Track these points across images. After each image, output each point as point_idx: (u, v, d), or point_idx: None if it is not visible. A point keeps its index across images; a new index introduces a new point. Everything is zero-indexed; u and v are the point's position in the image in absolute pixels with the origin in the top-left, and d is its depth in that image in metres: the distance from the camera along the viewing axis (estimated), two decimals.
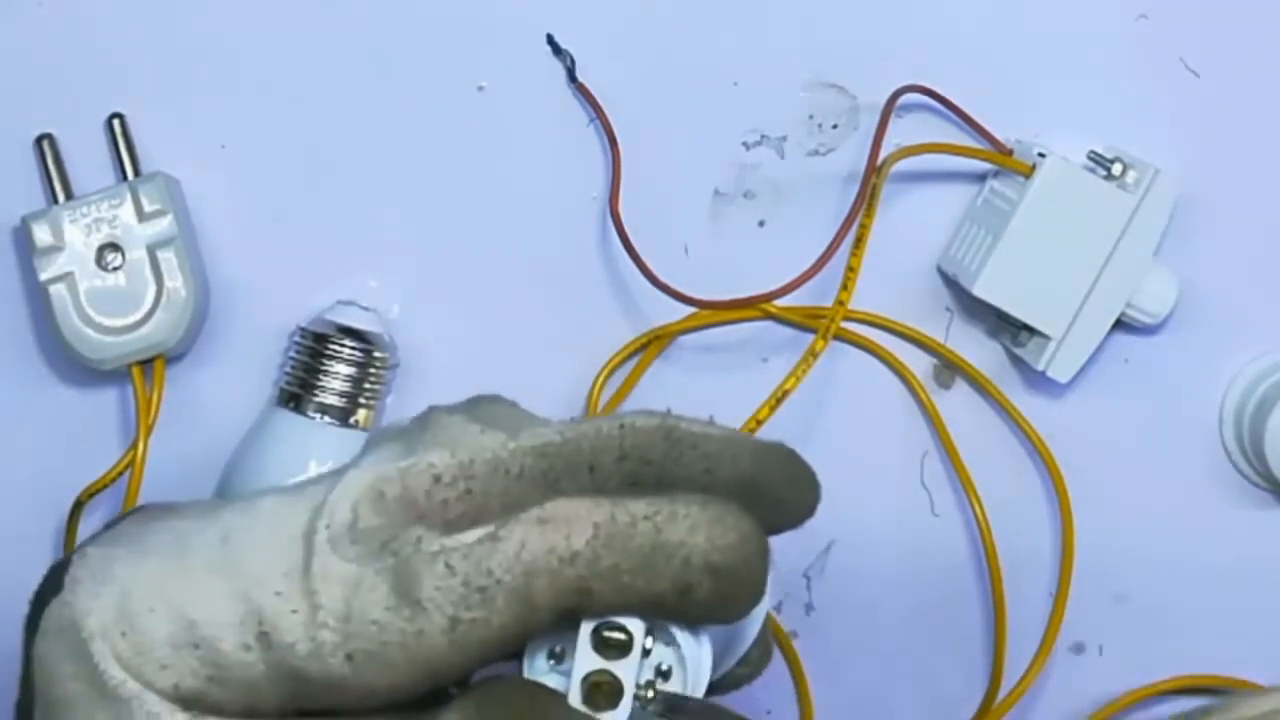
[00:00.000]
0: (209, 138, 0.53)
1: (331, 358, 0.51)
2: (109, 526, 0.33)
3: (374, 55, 0.53)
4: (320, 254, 0.54)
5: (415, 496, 0.31)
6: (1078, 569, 0.55)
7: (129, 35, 0.53)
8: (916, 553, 0.56)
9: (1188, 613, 0.56)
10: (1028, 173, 0.52)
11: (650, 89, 0.54)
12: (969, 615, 0.56)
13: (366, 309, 0.53)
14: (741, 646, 0.36)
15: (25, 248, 0.51)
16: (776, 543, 0.33)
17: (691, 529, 0.30)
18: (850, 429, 0.55)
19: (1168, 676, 0.56)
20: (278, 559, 0.31)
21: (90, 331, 0.50)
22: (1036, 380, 0.55)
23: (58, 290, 0.50)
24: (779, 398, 0.48)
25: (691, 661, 0.32)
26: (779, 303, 0.52)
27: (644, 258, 0.51)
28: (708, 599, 0.31)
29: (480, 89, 0.54)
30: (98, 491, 0.51)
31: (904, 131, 0.54)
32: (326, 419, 0.51)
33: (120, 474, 0.51)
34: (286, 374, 0.52)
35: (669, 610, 0.31)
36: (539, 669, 0.32)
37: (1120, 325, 0.53)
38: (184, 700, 0.31)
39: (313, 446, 0.51)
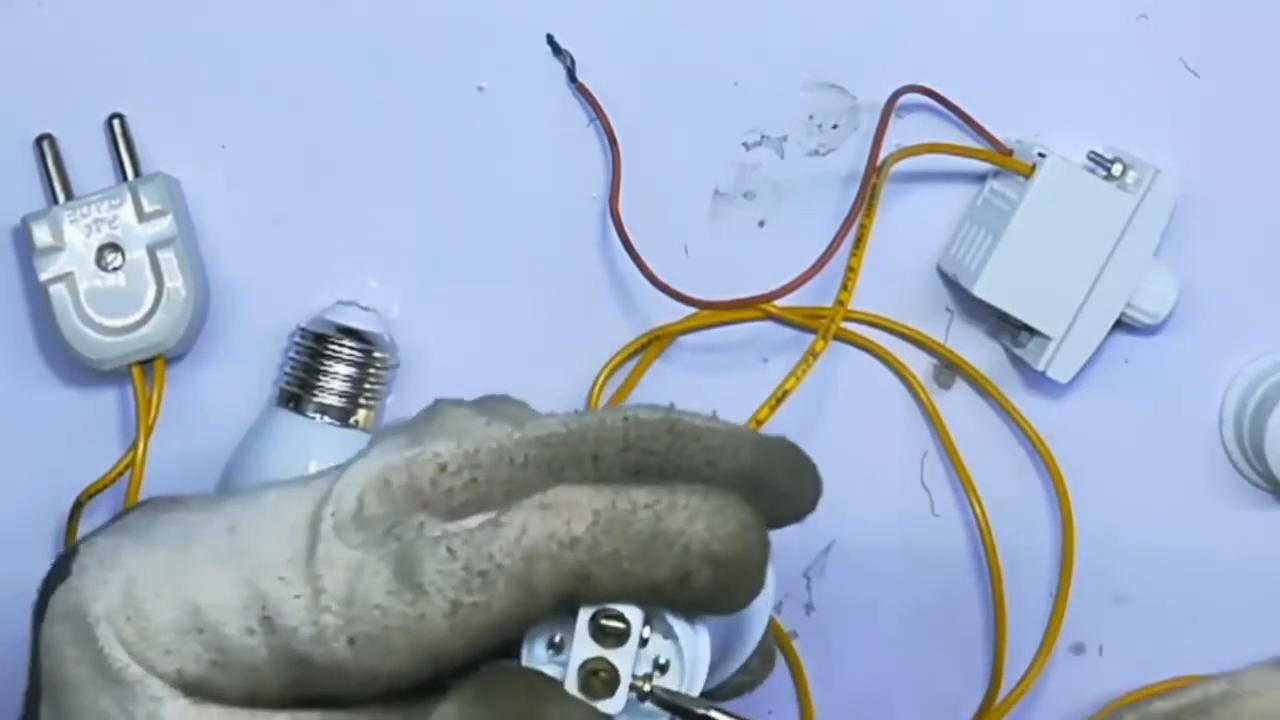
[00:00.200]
0: (209, 138, 0.53)
1: (331, 358, 0.51)
2: (115, 518, 0.34)
3: (374, 55, 0.53)
4: (320, 254, 0.54)
5: (421, 485, 0.31)
6: (1078, 569, 0.55)
7: (129, 35, 0.53)
8: (916, 553, 0.56)
9: (1188, 613, 0.56)
10: (1028, 173, 0.52)
11: (650, 89, 0.54)
12: (969, 615, 0.56)
13: (366, 309, 0.53)
14: (743, 650, 0.36)
15: (25, 248, 0.51)
16: (777, 543, 0.33)
17: (691, 517, 0.31)
18: (850, 429, 0.55)
19: (1168, 676, 0.56)
20: (282, 546, 0.31)
21: (90, 331, 0.50)
22: (1036, 380, 0.55)
23: (58, 290, 0.50)
24: (779, 398, 0.48)
25: (689, 656, 0.32)
26: (779, 303, 0.52)
27: (644, 258, 0.51)
28: (706, 588, 0.31)
29: (480, 89, 0.54)
30: (98, 491, 0.51)
31: (904, 131, 0.54)
32: (326, 419, 0.51)
33: (120, 474, 0.51)
34: (286, 374, 0.52)
35: (668, 598, 0.31)
36: (538, 658, 0.32)
37: (1120, 325, 0.53)
38: (187, 686, 0.31)
39: (313, 446, 0.51)
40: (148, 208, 0.51)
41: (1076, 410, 0.55)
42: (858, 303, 0.53)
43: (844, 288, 0.50)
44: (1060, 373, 0.53)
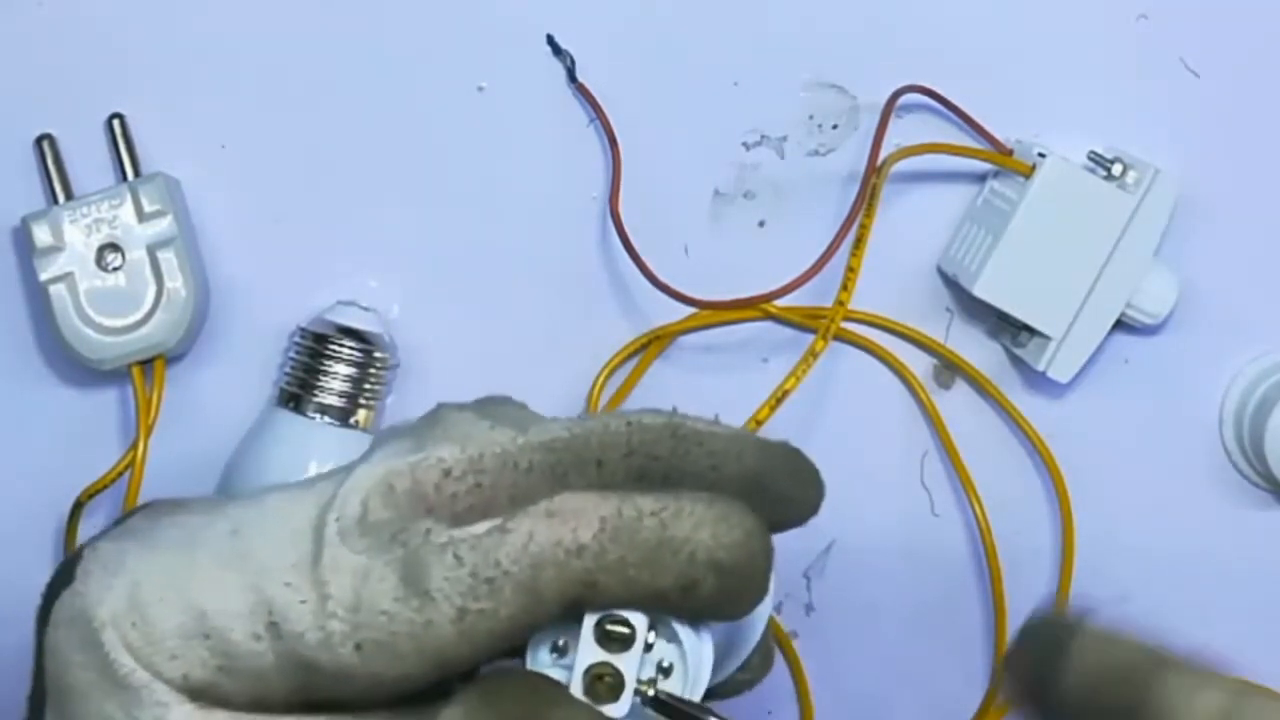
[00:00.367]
0: (209, 138, 0.53)
1: (331, 358, 0.51)
2: (118, 522, 0.34)
3: (374, 55, 0.53)
4: (320, 254, 0.54)
5: (425, 490, 0.31)
6: (1078, 569, 0.55)
7: (129, 35, 0.53)
8: (916, 553, 0.56)
9: (1188, 613, 0.56)
10: (1028, 173, 0.52)
11: (650, 89, 0.54)
12: (969, 615, 0.56)
13: (366, 309, 0.53)
14: (743, 650, 0.36)
15: (25, 248, 0.51)
16: (777, 543, 0.33)
17: (697, 525, 0.31)
18: (850, 429, 0.55)
19: None
20: (287, 551, 0.31)
21: (90, 331, 0.50)
22: (1036, 380, 0.55)
23: (58, 290, 0.50)
24: (779, 398, 0.48)
25: (693, 659, 0.32)
26: (779, 303, 0.52)
27: (644, 258, 0.51)
28: (711, 595, 0.31)
29: (480, 89, 0.54)
30: (98, 492, 0.51)
31: (904, 131, 0.54)
32: (326, 419, 0.51)
33: (120, 474, 0.51)
34: (286, 374, 0.52)
35: (673, 605, 0.31)
36: (542, 662, 0.32)
37: (1120, 325, 0.53)
38: (192, 691, 0.31)
39: (313, 446, 0.51)
40: (148, 208, 0.51)
41: (1076, 410, 0.55)
42: (858, 303, 0.53)
43: (844, 288, 0.50)
44: (1060, 373, 0.53)
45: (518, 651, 0.32)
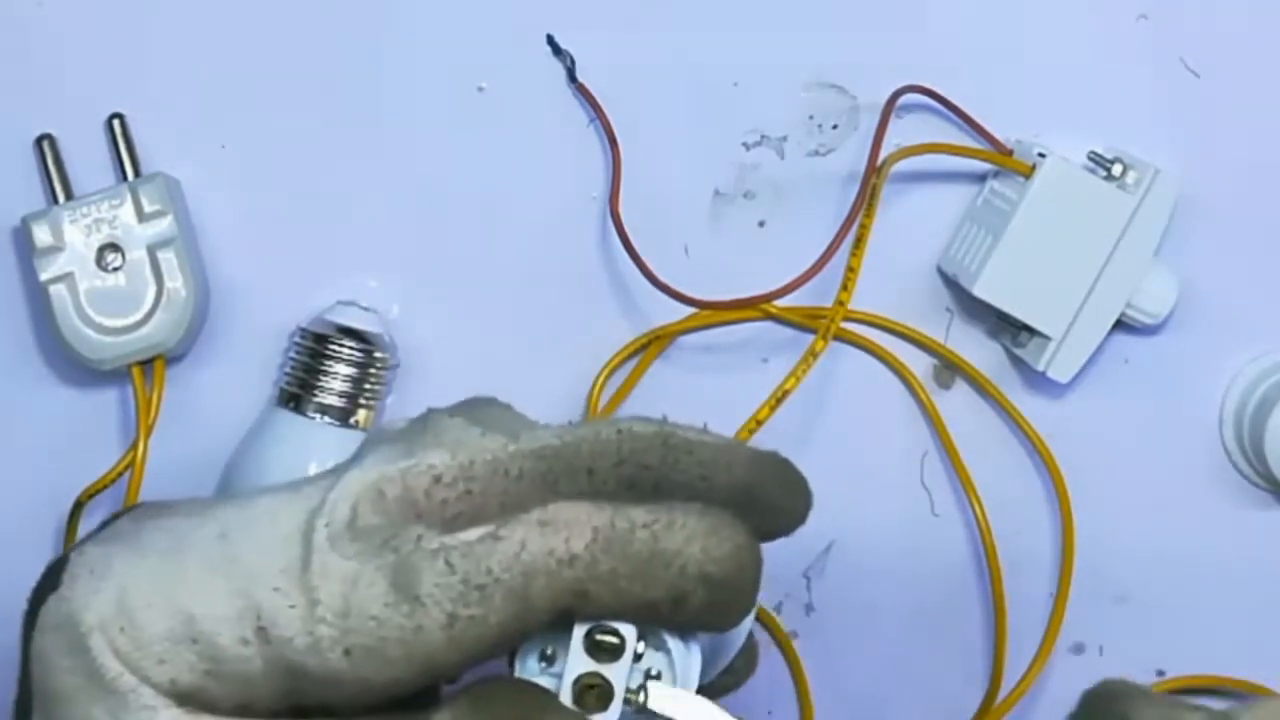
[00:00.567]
0: (209, 138, 0.53)
1: (331, 358, 0.51)
2: (104, 525, 0.34)
3: (374, 55, 0.53)
4: (320, 254, 0.54)
5: (415, 496, 0.31)
6: (1078, 569, 0.55)
7: (129, 35, 0.53)
8: (916, 553, 0.56)
9: (1188, 613, 0.56)
10: (1028, 173, 0.52)
11: (650, 89, 0.54)
12: (969, 615, 0.56)
13: (366, 309, 0.53)
14: (727, 655, 0.36)
15: (25, 248, 0.51)
16: (776, 543, 0.33)
17: (688, 539, 0.31)
18: (850, 429, 0.55)
19: (1168, 676, 0.56)
20: (275, 556, 0.31)
21: (90, 331, 0.50)
22: (1036, 380, 0.55)
23: (58, 290, 0.50)
24: (779, 398, 0.48)
25: (681, 667, 0.32)
26: (779, 303, 0.52)
27: (644, 258, 0.51)
28: (701, 608, 0.31)
29: (480, 89, 0.54)
30: (98, 492, 0.51)
31: (904, 131, 0.54)
32: (326, 419, 0.51)
33: (120, 474, 0.51)
34: (286, 374, 0.52)
35: (662, 617, 0.31)
36: (530, 670, 0.32)
37: (1120, 325, 0.53)
38: (180, 695, 0.31)
39: (313, 447, 0.51)
40: (148, 208, 0.51)
41: (1076, 410, 0.55)
42: (858, 303, 0.53)
43: (844, 288, 0.50)
44: (1060, 373, 0.53)
45: (504, 659, 0.32)
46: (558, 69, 0.54)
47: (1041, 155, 0.52)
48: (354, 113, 0.54)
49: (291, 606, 0.30)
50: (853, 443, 0.55)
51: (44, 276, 0.50)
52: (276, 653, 0.30)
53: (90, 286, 0.50)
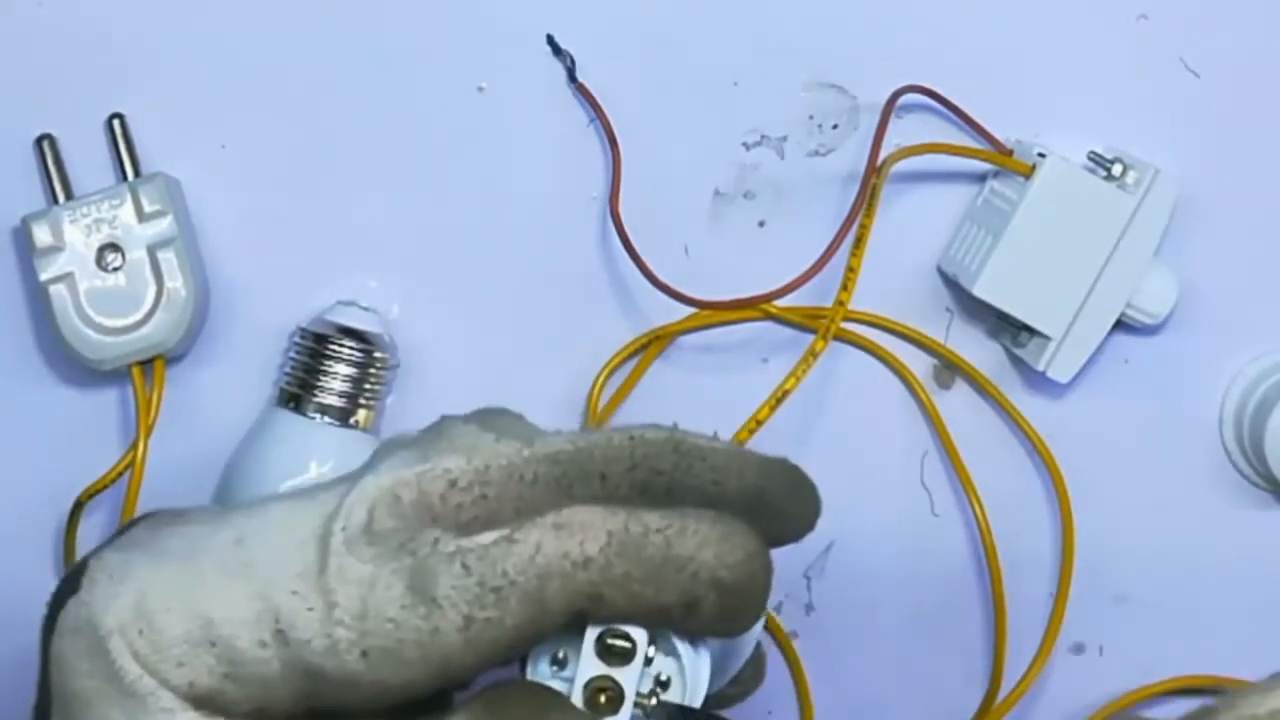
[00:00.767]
0: (209, 138, 0.53)
1: (331, 358, 0.51)
2: (121, 533, 0.34)
3: (374, 55, 0.53)
4: (320, 254, 0.54)
5: (431, 500, 0.32)
6: (1078, 569, 0.55)
7: (129, 35, 0.53)
8: (916, 553, 0.56)
9: (1188, 613, 0.56)
10: (1028, 173, 0.52)
11: (650, 89, 0.54)
12: (969, 615, 0.56)
13: (366, 309, 0.53)
14: (736, 663, 0.36)
15: (25, 248, 0.51)
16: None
17: (701, 544, 0.31)
18: (850, 429, 0.55)
19: (1168, 676, 0.56)
20: (291, 560, 0.31)
21: (90, 331, 0.50)
22: (1036, 380, 0.55)
23: (58, 290, 0.50)
24: (779, 398, 0.48)
25: (691, 672, 0.33)
26: (779, 303, 0.52)
27: (644, 258, 0.51)
28: (712, 613, 0.32)
29: (480, 89, 0.54)
30: (98, 492, 0.51)
31: (904, 131, 0.54)
32: (326, 419, 0.51)
33: (120, 474, 0.51)
34: (286, 374, 0.52)
35: (674, 621, 0.32)
36: (542, 674, 0.32)
37: (1120, 325, 0.53)
38: (198, 698, 0.31)
39: (313, 447, 0.51)
40: (148, 208, 0.51)
41: (1076, 410, 0.55)
42: (858, 303, 0.53)
43: (844, 288, 0.50)
44: (1060, 373, 0.53)
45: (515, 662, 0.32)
46: (558, 69, 0.54)
47: (1041, 155, 0.52)
48: (354, 113, 0.54)
49: (309, 609, 0.31)
50: (853, 443, 0.55)
51: (44, 276, 0.50)
52: (294, 655, 0.31)
53: (90, 286, 0.50)
